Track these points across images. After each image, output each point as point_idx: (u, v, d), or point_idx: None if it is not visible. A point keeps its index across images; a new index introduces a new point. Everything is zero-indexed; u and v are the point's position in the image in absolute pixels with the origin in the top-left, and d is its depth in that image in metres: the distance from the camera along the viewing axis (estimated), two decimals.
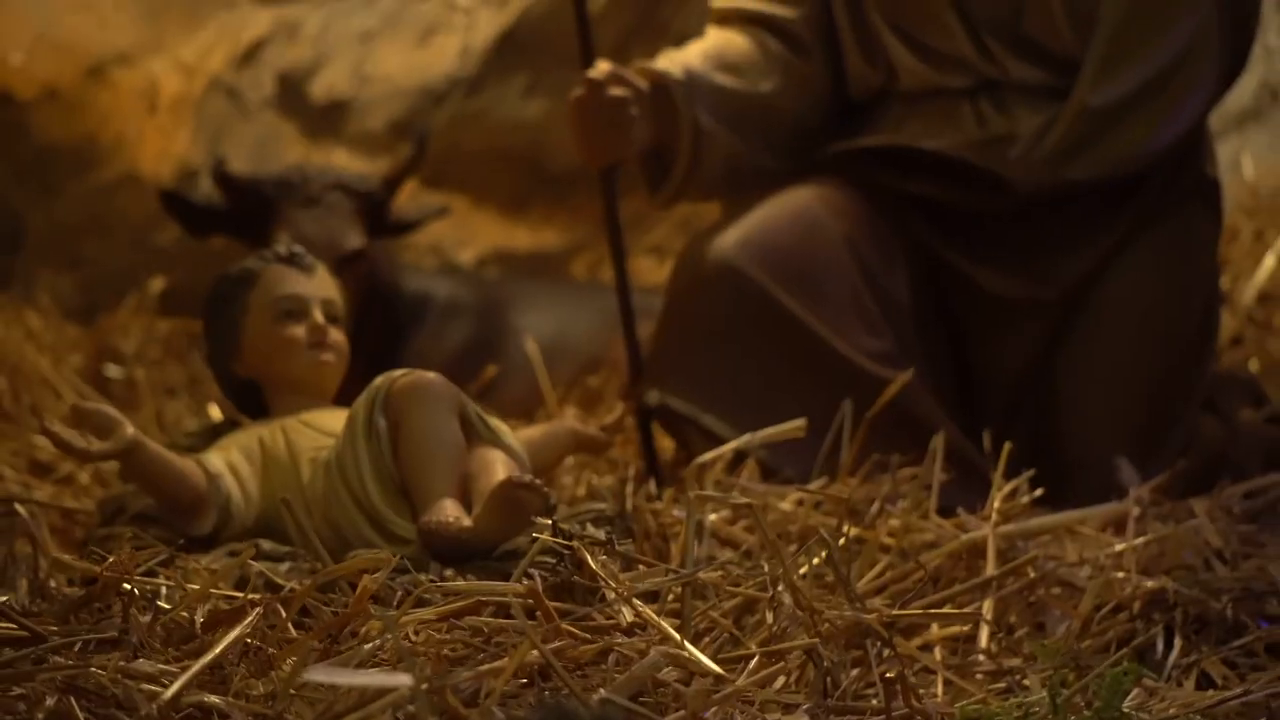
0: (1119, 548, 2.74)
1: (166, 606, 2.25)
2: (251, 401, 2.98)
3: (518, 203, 5.23)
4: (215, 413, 3.70)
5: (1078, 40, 3.37)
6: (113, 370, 4.25)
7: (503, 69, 5.08)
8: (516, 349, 4.23)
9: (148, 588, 2.29)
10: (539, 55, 5.06)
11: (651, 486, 3.21)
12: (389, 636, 2.11)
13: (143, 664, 2.06)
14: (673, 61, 3.49)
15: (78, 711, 1.91)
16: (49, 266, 4.80)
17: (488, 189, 5.18)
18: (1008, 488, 2.86)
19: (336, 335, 2.95)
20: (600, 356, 4.25)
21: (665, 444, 3.57)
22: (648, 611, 2.24)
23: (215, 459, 2.79)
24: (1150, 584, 2.58)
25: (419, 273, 4.44)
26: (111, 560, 2.28)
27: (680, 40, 4.79)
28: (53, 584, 2.60)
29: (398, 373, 2.70)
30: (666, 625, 2.22)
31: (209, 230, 4.08)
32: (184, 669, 2.04)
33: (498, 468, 2.60)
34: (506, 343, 4.26)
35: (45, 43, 4.72)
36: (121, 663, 2.04)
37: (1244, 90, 4.93)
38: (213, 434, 3.00)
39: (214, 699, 1.99)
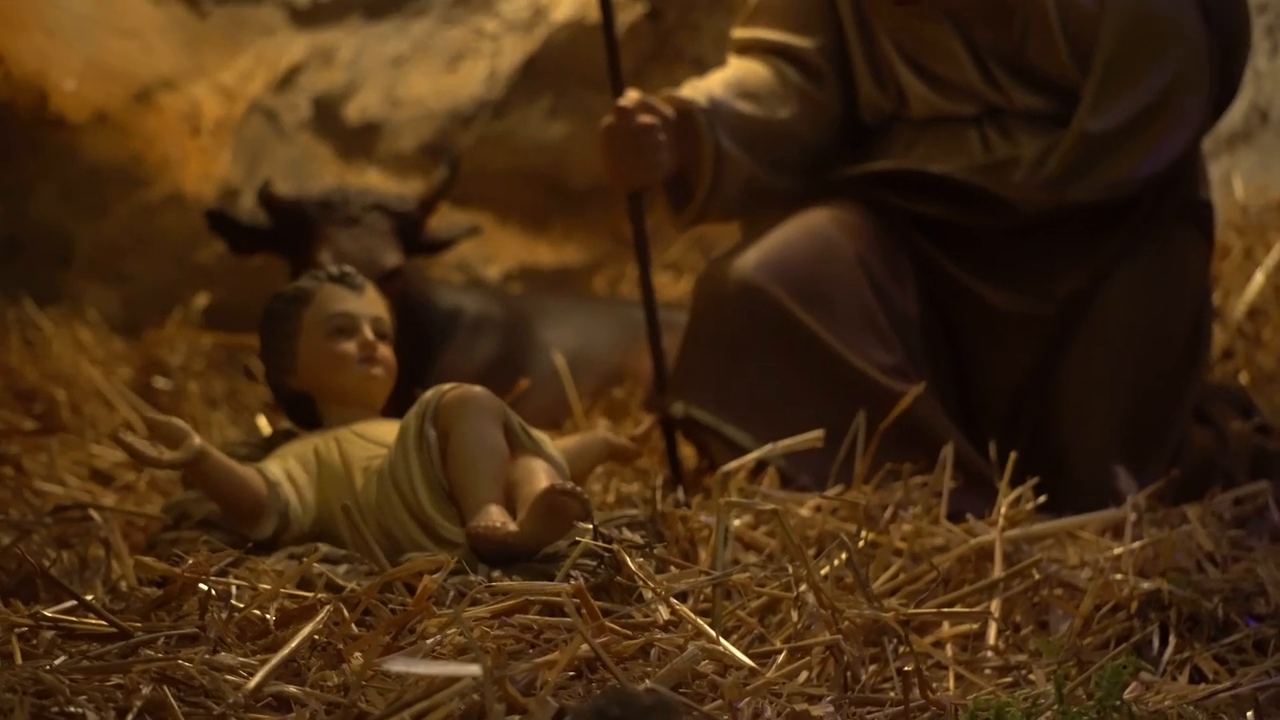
0: (1117, 551, 2.83)
1: (240, 605, 2.36)
2: (305, 413, 3.08)
3: (540, 220, 5.32)
4: (263, 425, 3.80)
5: (1078, 70, 3.45)
6: (160, 382, 4.34)
7: (527, 93, 5.18)
8: (543, 362, 4.32)
9: (222, 587, 2.40)
10: (561, 80, 5.16)
11: (679, 493, 3.32)
12: (448, 632, 2.23)
13: (224, 657, 2.18)
14: (696, 89, 3.59)
15: (171, 700, 2.03)
16: (97, 282, 4.89)
17: (512, 207, 5.27)
18: (1013, 495, 2.96)
19: (385, 351, 3.05)
20: (622, 368, 4.33)
21: (688, 452, 3.67)
22: (684, 609, 2.36)
23: (274, 467, 2.89)
24: (1146, 585, 2.66)
25: (449, 288, 4.52)
26: (191, 562, 2.40)
27: (694, 63, 4.94)
28: (124, 585, 2.74)
29: (446, 386, 2.80)
30: (701, 622, 2.34)
31: (253, 248, 4.18)
32: (262, 661, 2.16)
33: (540, 476, 2.69)
34: (533, 356, 4.34)
35: (95, 70, 4.81)
36: (206, 655, 2.16)
37: (1234, 112, 5.01)
38: (268, 444, 3.10)
39: (292, 689, 2.10)
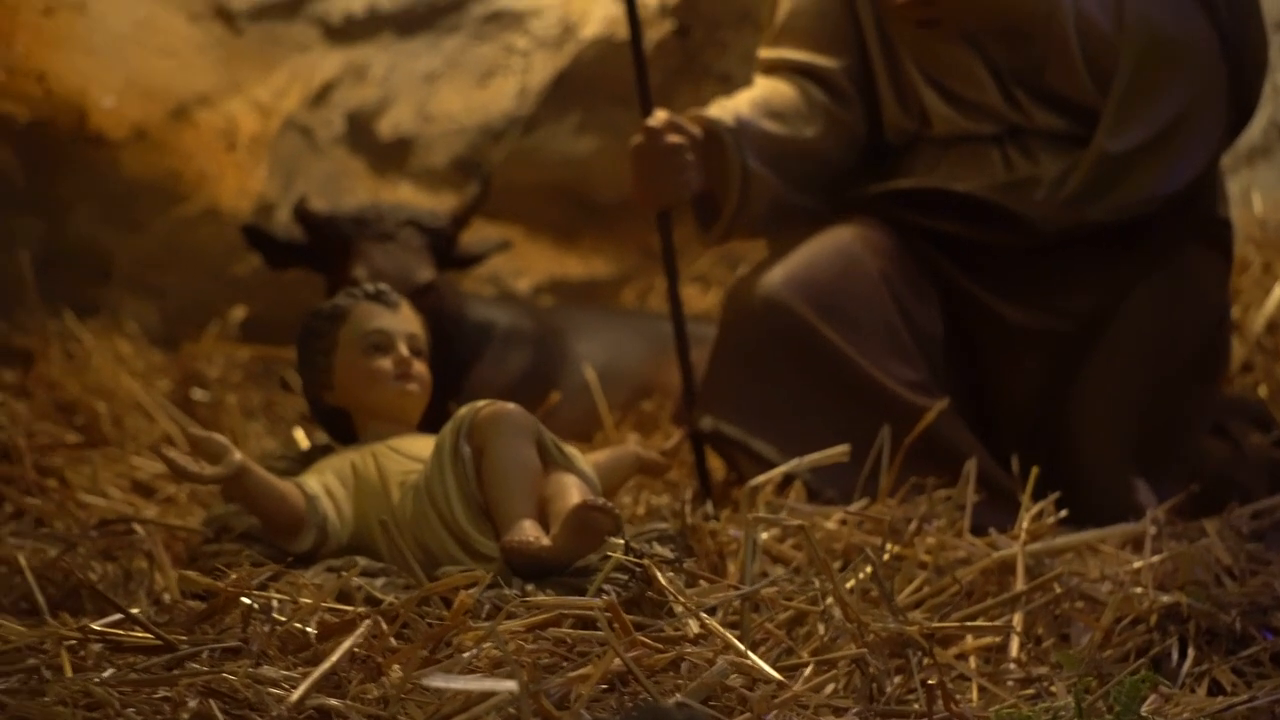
0: (1137, 565, 2.86)
1: (282, 619, 2.41)
2: (342, 428, 3.13)
3: (570, 233, 5.36)
4: (300, 438, 3.84)
5: (1096, 92, 3.48)
6: (198, 394, 4.38)
7: (557, 108, 5.22)
8: (574, 375, 4.36)
9: (264, 601, 2.45)
10: (590, 96, 5.20)
11: (708, 507, 3.35)
12: (484, 646, 2.27)
13: (267, 670, 2.22)
14: (724, 109, 3.64)
15: (217, 713, 2.07)
16: (135, 295, 4.93)
17: (542, 221, 5.31)
18: (1035, 509, 3.01)
19: (420, 367, 3.10)
20: (651, 381, 4.37)
21: (716, 464, 3.70)
22: (714, 624, 2.40)
23: (312, 482, 2.94)
24: (1165, 599, 2.69)
25: (481, 302, 4.55)
26: (234, 577, 2.45)
27: (721, 79, 4.97)
28: (167, 597, 2.78)
29: (480, 404, 2.84)
30: (730, 636, 2.37)
31: (288, 263, 4.22)
32: (304, 675, 2.20)
33: (572, 491, 2.74)
34: (564, 369, 4.38)
35: (133, 87, 4.85)
36: (250, 669, 2.21)
37: (1253, 128, 5.03)
38: (306, 458, 3.15)
39: (333, 701, 2.15)
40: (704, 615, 2.41)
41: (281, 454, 3.26)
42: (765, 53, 3.75)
